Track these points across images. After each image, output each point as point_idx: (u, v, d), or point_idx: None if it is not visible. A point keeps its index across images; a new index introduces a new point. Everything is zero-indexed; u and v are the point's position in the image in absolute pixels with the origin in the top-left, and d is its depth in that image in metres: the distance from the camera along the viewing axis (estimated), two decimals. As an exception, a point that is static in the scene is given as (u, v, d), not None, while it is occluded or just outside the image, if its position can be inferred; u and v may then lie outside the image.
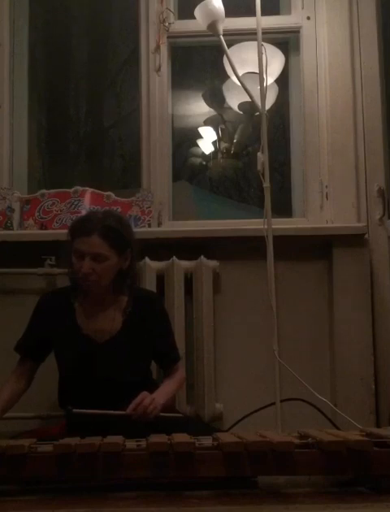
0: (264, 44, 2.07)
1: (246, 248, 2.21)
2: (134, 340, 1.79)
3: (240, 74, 2.12)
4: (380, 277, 2.24)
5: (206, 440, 1.24)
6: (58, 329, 1.80)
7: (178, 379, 1.86)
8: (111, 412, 1.61)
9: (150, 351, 1.85)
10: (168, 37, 2.48)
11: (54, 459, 1.18)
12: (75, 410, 1.61)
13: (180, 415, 1.73)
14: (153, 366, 1.94)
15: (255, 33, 2.07)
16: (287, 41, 2.56)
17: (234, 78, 2.17)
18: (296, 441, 1.21)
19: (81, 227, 1.75)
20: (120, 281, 1.81)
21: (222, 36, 2.10)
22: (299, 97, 2.47)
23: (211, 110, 3.57)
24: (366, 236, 2.25)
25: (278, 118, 2.93)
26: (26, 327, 1.84)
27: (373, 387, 2.17)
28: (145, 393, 1.64)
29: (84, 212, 2.26)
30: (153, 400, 1.63)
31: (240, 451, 1.17)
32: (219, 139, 3.55)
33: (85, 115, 5.39)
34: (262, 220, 2.01)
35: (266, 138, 2.02)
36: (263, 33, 2.08)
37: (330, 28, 2.41)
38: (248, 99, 2.13)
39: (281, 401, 1.93)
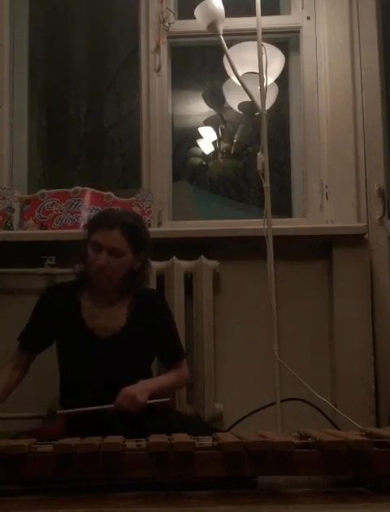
0: (264, 44, 2.07)
1: (246, 248, 2.21)
2: (137, 337, 1.80)
3: (240, 74, 2.13)
4: (380, 277, 2.23)
5: (206, 440, 1.24)
6: (62, 322, 1.81)
7: (178, 374, 1.87)
8: (96, 408, 1.63)
9: (153, 349, 1.86)
10: (168, 37, 2.48)
11: (54, 459, 1.18)
12: (58, 411, 1.66)
13: (167, 399, 1.74)
14: (154, 366, 1.94)
15: (255, 33, 2.07)
16: (287, 41, 2.56)
17: (234, 78, 2.17)
18: (296, 441, 1.21)
19: (103, 220, 1.78)
20: (130, 281, 1.81)
21: (222, 36, 2.10)
22: (299, 97, 2.47)
23: (211, 110, 3.56)
24: (366, 236, 2.25)
25: (278, 118, 2.92)
26: (29, 319, 1.85)
27: (373, 387, 2.17)
28: (123, 393, 1.66)
29: (84, 212, 2.27)
30: (133, 398, 1.64)
31: (240, 451, 1.17)
32: (219, 139, 3.55)
33: (85, 115, 5.39)
34: (262, 220, 2.02)
35: (266, 138, 2.03)
36: (263, 33, 2.08)
37: (330, 28, 2.41)
38: (248, 99, 2.13)
39: (281, 401, 1.93)
